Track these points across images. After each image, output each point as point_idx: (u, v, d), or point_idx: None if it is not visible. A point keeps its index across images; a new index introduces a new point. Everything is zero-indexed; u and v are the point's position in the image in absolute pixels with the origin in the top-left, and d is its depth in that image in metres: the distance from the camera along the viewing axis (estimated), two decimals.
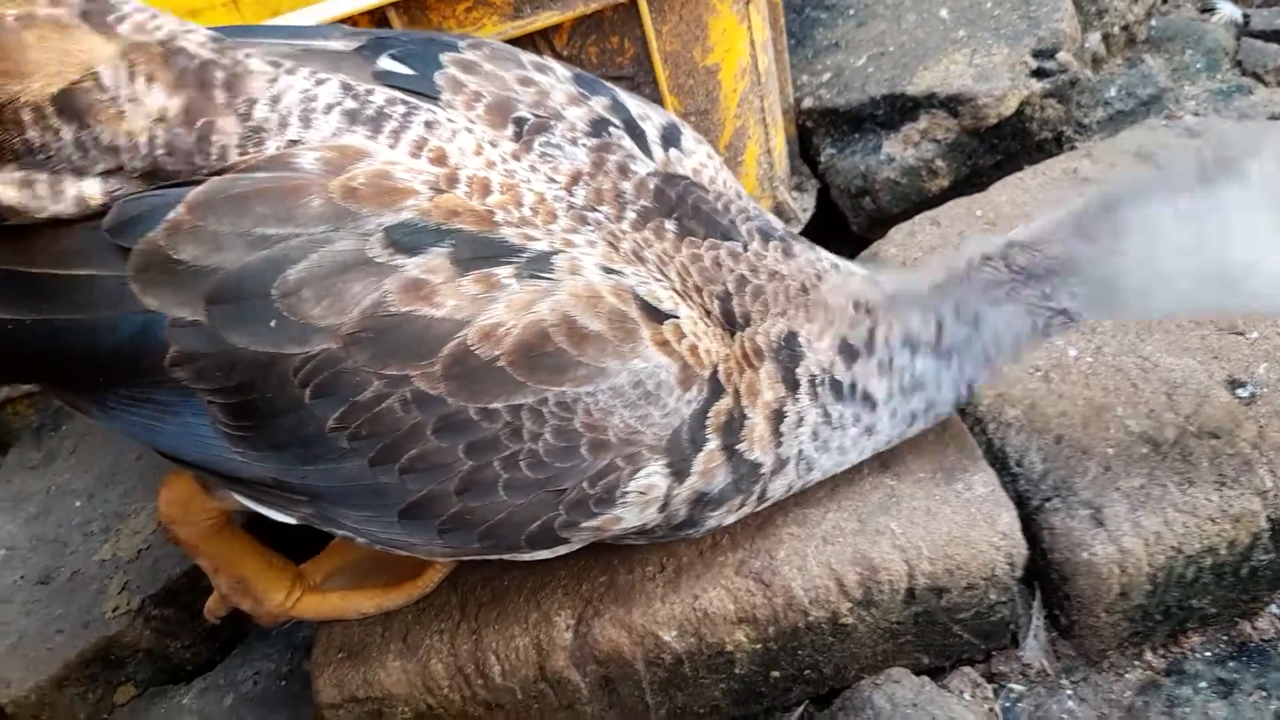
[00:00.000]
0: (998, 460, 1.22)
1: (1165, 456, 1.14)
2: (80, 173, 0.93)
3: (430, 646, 1.17)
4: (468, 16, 1.44)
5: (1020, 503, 1.17)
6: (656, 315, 0.95)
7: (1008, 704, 1.18)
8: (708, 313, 1.02)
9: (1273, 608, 1.19)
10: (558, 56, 1.53)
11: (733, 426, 0.99)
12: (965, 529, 1.12)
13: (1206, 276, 0.96)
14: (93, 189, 0.93)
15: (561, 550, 1.02)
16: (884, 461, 1.20)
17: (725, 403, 0.98)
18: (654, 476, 0.95)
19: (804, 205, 1.87)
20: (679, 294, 1.01)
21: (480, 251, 0.92)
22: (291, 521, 1.00)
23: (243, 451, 0.93)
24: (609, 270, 0.96)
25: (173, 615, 1.36)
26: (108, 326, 0.91)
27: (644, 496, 0.96)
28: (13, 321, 0.92)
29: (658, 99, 1.59)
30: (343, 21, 1.40)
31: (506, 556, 1.01)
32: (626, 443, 0.93)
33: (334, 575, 1.24)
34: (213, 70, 0.97)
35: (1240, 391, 1.18)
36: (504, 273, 0.92)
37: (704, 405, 0.97)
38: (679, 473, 0.97)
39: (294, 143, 0.96)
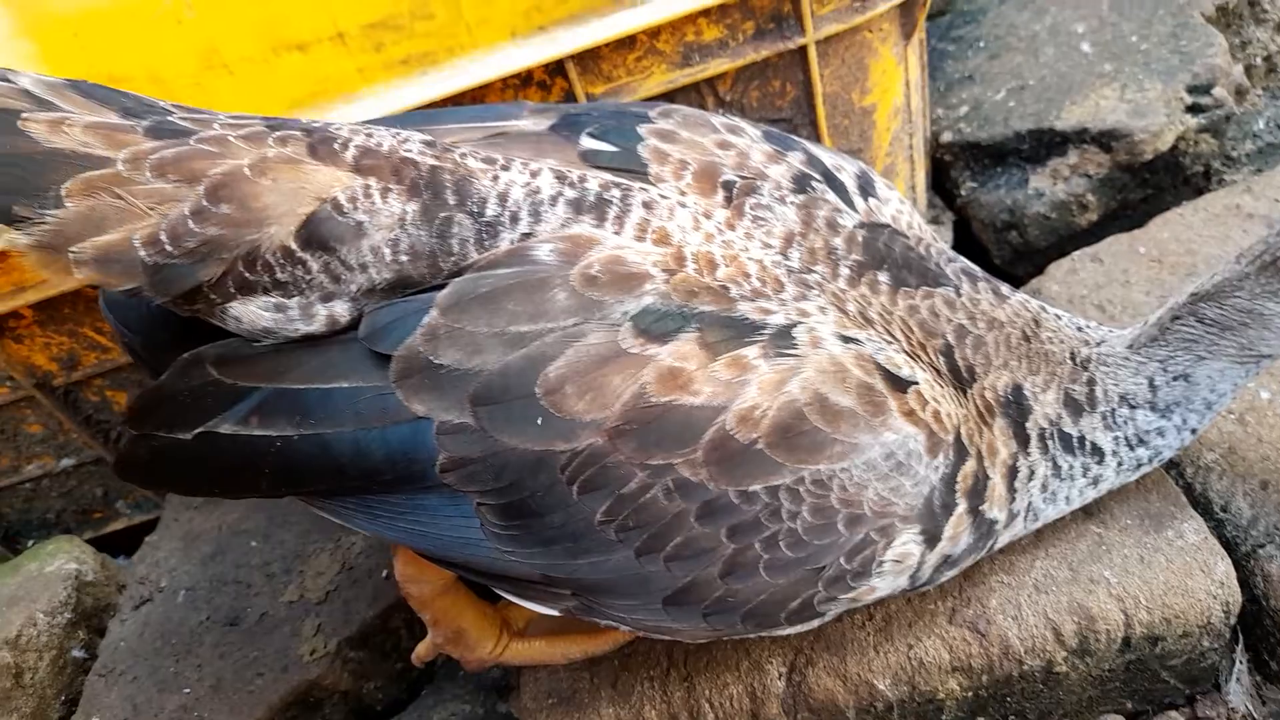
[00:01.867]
0: (1199, 504, 1.22)
1: None
2: (329, 297, 0.97)
3: (642, 693, 1.18)
4: (637, 65, 1.47)
5: (1228, 547, 1.17)
6: (899, 384, 0.97)
7: None
8: (938, 372, 1.03)
9: None
10: (720, 102, 1.56)
11: (978, 488, 1.00)
12: (1182, 578, 1.12)
13: None
14: (341, 310, 0.97)
15: (815, 624, 1.03)
16: (1087, 508, 1.20)
17: (971, 466, 0.99)
18: (909, 545, 0.96)
19: (943, 239, 1.88)
20: (910, 355, 1.02)
21: (725, 333, 0.94)
22: (554, 614, 1.02)
23: (512, 550, 0.95)
24: (847, 339, 0.98)
25: (366, 657, 1.38)
26: (376, 437, 0.93)
27: (899, 565, 0.97)
28: (280, 438, 0.94)
29: (814, 140, 1.60)
30: (520, 75, 1.44)
31: (763, 634, 1.02)
32: (880, 515, 0.94)
33: (536, 619, 1.26)
34: (441, 174, 1.00)
35: None
36: (751, 353, 0.93)
37: (951, 470, 0.98)
38: (931, 539, 0.98)
39: (526, 236, 0.98)
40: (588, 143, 1.13)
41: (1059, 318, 1.18)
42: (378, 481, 0.95)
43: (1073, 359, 1.12)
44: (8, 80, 0.93)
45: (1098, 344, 1.14)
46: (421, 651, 1.26)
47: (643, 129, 1.15)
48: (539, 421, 0.91)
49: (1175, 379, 1.09)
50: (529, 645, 1.23)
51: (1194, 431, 1.12)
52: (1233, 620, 1.14)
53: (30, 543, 1.93)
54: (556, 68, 1.44)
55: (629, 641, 1.22)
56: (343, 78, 2.85)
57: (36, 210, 0.91)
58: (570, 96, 1.47)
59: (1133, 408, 1.10)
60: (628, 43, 1.44)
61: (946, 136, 1.86)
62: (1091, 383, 1.11)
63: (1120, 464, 1.11)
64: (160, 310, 1.06)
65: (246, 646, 1.40)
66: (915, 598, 1.18)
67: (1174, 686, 1.20)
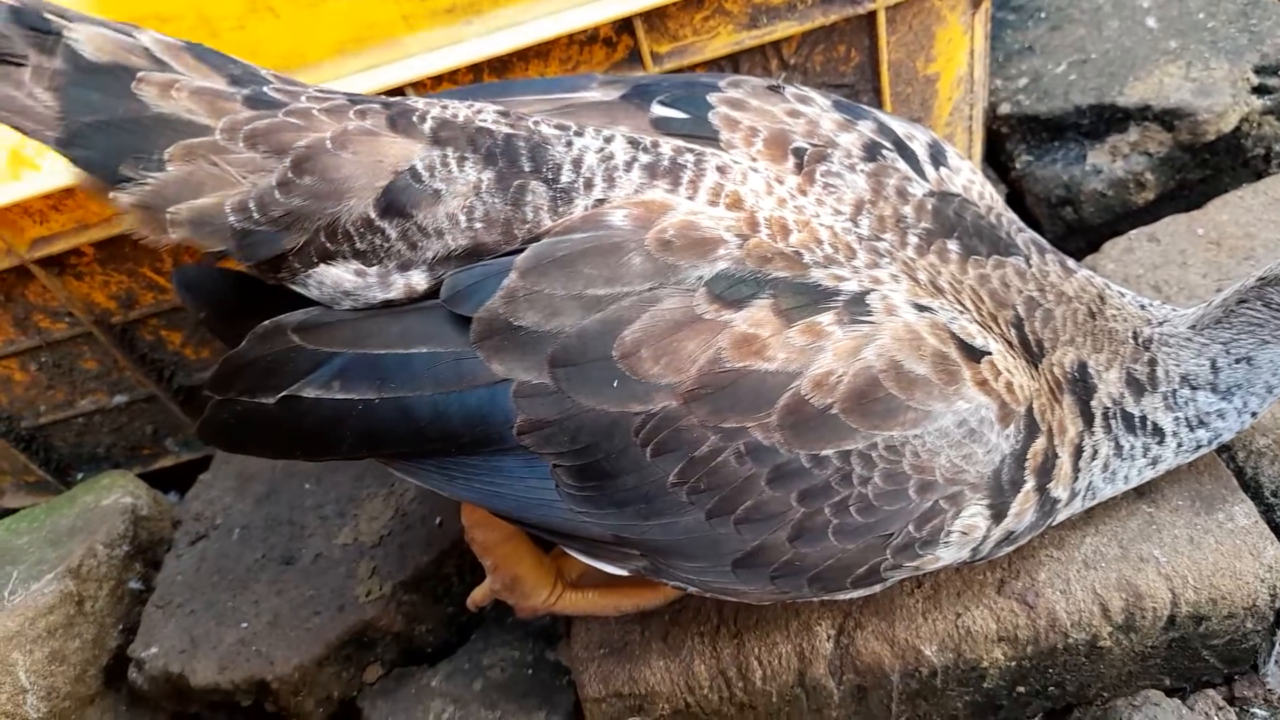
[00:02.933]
0: (1250, 489, 1.24)
1: None
2: (406, 265, 1.00)
3: (692, 648, 1.22)
4: (704, 25, 1.46)
5: (1278, 533, 1.18)
6: (973, 353, 0.98)
7: None
8: (1009, 344, 1.04)
9: None
10: (784, 65, 1.55)
11: (1047, 466, 1.01)
12: (1231, 560, 1.14)
13: None
14: (418, 278, 1.00)
15: (878, 589, 1.05)
16: (1139, 488, 1.21)
17: (1041, 443, 1.00)
18: (976, 517, 0.98)
19: None
20: (981, 325, 1.03)
21: (799, 299, 0.95)
22: (623, 573, 1.04)
23: (586, 511, 0.97)
24: (921, 307, 0.99)
25: (419, 600, 1.42)
26: (455, 400, 0.96)
27: (965, 537, 0.99)
28: (362, 402, 0.97)
29: (876, 106, 1.60)
30: (590, 31, 1.44)
31: (826, 597, 1.04)
32: (951, 482, 0.96)
33: (588, 571, 1.29)
34: (516, 142, 1.02)
35: None
36: (826, 320, 0.94)
37: (1022, 446, 0.99)
38: (998, 514, 0.99)
39: (600, 202, 1.00)
40: (659, 110, 1.13)
41: (1122, 295, 1.18)
42: (456, 444, 0.97)
43: (1135, 338, 1.13)
44: (131, 36, 0.96)
45: (1160, 323, 1.15)
46: (478, 596, 1.30)
47: (712, 97, 1.16)
48: (615, 384, 0.93)
49: (1238, 361, 1.10)
50: (582, 596, 1.26)
51: (1254, 415, 1.13)
52: (1278, 604, 1.16)
53: (80, 475, 1.98)
54: (623, 25, 1.44)
55: (680, 597, 1.25)
56: (389, 24, 2.85)
57: (140, 171, 0.96)
58: (635, 54, 1.47)
59: (1194, 389, 1.11)
60: (696, 2, 1.43)
61: (1004, 108, 1.84)
62: (1153, 363, 1.11)
63: (1180, 445, 1.12)
64: (229, 283, 1.09)
65: (302, 585, 1.44)
66: (964, 567, 1.20)
67: (1213, 665, 1.22)
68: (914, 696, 1.22)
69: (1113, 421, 1.07)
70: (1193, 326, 1.13)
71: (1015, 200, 1.88)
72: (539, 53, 1.46)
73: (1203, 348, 1.11)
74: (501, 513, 1.02)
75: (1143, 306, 1.18)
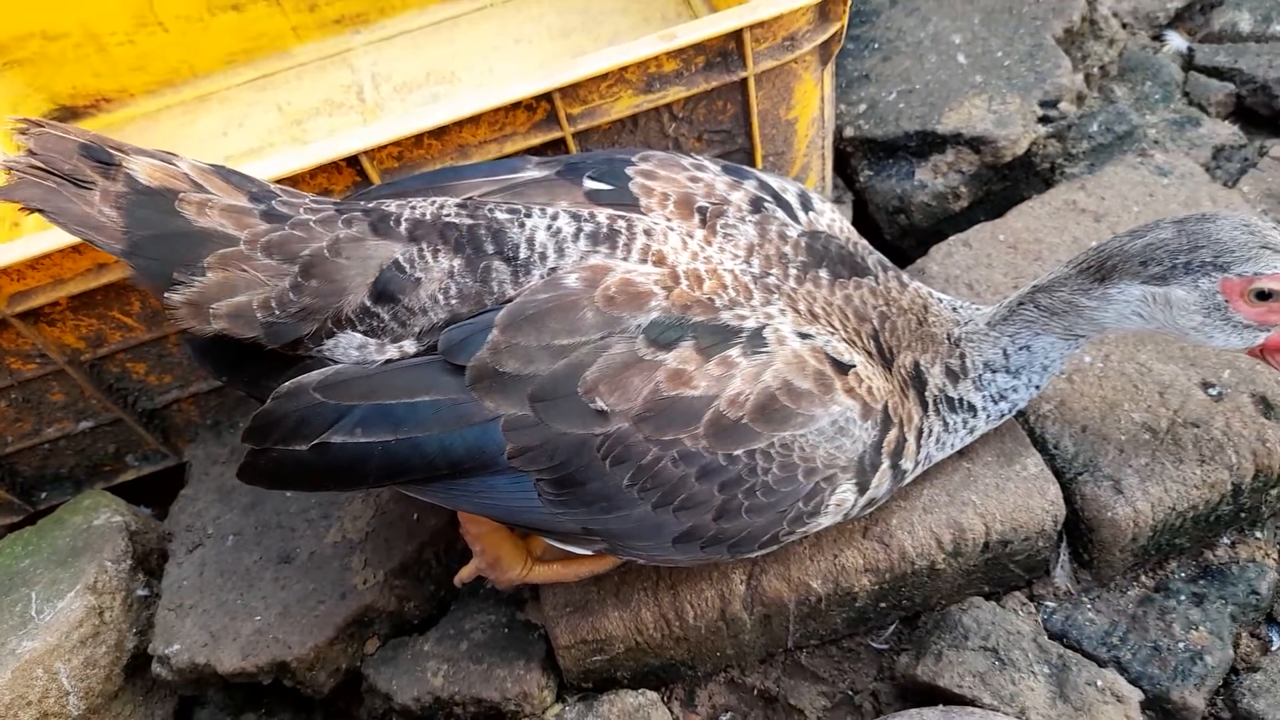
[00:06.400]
0: (1038, 443, 1.66)
1: (1162, 441, 1.60)
2: (399, 338, 1.28)
3: (639, 600, 1.57)
4: (609, 91, 1.77)
5: (1058, 475, 1.62)
6: (842, 368, 1.33)
7: (1045, 616, 1.65)
8: (869, 353, 1.40)
9: (1224, 540, 1.68)
10: (674, 118, 1.87)
11: (898, 449, 1.38)
12: (1025, 499, 1.56)
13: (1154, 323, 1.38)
14: (409, 345, 1.28)
15: (776, 549, 1.41)
16: (960, 450, 1.63)
17: (894, 433, 1.37)
18: (847, 492, 1.34)
19: (845, 216, 2.26)
20: (848, 342, 1.38)
21: (714, 339, 1.26)
22: (588, 553, 1.36)
23: (562, 511, 1.27)
24: (803, 335, 1.33)
25: (407, 583, 1.71)
26: (457, 437, 1.24)
27: (839, 507, 1.35)
28: (381, 444, 1.24)
29: (749, 148, 1.94)
30: (514, 106, 1.71)
31: (740, 558, 1.39)
32: (828, 466, 1.31)
33: (550, 547, 1.61)
34: (478, 230, 1.30)
35: (1210, 391, 1.64)
36: (734, 353, 1.26)
37: (879, 435, 1.35)
38: (863, 488, 1.36)
39: (553, 270, 1.29)
40: (590, 184, 1.43)
41: (940, 301, 1.56)
42: (459, 470, 1.25)
43: (949, 338, 1.50)
44: (172, 164, 1.19)
45: (965, 323, 1.53)
46: (464, 574, 1.60)
47: (629, 170, 1.46)
48: (580, 414, 1.24)
49: (1020, 349, 1.47)
50: (548, 568, 1.58)
51: (1038, 388, 1.52)
52: (1059, 527, 1.59)
53: (44, 494, 2.15)
54: (544, 94, 1.72)
55: (624, 563, 1.60)
56: (278, 35, 3.04)
57: (189, 277, 1.20)
58: (553, 116, 1.76)
59: (993, 372, 1.50)
60: (601, 75, 1.72)
61: (849, 131, 2.22)
62: (963, 356, 1.49)
63: (989, 416, 1.51)
64: (234, 348, 1.33)
65: (304, 580, 1.71)
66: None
67: (1017, 574, 1.66)
68: (805, 618, 1.61)
69: (940, 406, 1.46)
70: (989, 323, 1.50)
71: (860, 208, 2.27)
72: (472, 119, 1.72)
73: (996, 340, 1.49)
74: (495, 518, 1.33)
75: (954, 309, 1.56)
